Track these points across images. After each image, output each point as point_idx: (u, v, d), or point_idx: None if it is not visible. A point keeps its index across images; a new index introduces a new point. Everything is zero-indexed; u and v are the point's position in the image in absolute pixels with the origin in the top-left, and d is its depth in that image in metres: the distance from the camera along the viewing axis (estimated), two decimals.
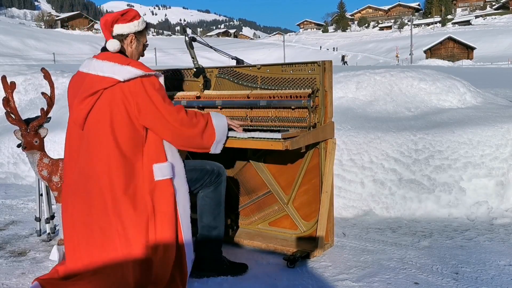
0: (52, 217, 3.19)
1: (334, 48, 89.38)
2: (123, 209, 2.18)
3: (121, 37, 2.34)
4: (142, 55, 2.48)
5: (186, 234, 2.32)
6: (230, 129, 2.50)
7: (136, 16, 2.38)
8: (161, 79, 2.31)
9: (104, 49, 2.34)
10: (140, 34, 2.40)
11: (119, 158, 2.19)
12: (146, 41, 2.47)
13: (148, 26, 2.47)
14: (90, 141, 2.23)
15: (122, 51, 2.35)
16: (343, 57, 54.09)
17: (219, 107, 2.87)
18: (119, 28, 2.33)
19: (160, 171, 2.24)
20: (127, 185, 2.19)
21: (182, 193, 2.33)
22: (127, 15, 2.35)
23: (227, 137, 2.47)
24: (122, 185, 2.18)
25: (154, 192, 2.23)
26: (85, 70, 2.29)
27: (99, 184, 2.20)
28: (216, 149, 2.41)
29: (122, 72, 2.20)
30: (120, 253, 2.18)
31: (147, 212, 2.21)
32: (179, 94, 3.02)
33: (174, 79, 3.20)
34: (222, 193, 2.54)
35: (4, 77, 2.89)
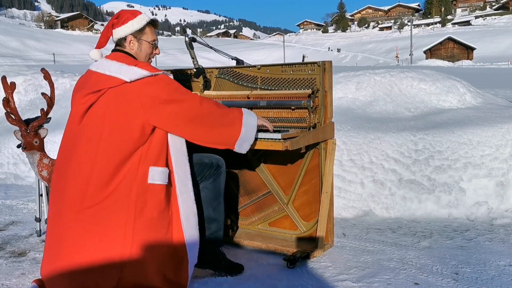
0: None
1: (338, 49, 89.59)
2: (101, 208, 2.13)
3: (121, 40, 2.32)
4: (155, 53, 2.40)
5: (189, 242, 2.25)
6: (261, 130, 2.41)
7: (130, 16, 2.31)
8: (170, 77, 2.28)
9: (114, 49, 2.35)
10: (139, 33, 2.32)
11: (104, 157, 2.14)
12: (153, 39, 2.37)
13: (153, 23, 2.37)
14: (82, 136, 2.21)
15: (129, 53, 2.33)
16: (303, 57, 53.83)
17: None
18: (116, 32, 2.31)
19: (156, 175, 2.19)
20: (108, 184, 2.13)
21: (186, 201, 2.26)
22: (120, 17, 2.32)
23: (256, 138, 2.36)
24: (102, 184, 2.13)
25: (144, 194, 2.17)
26: (94, 68, 2.29)
27: (79, 181, 2.16)
28: (241, 147, 2.31)
29: (128, 72, 2.17)
30: (96, 255, 2.12)
31: (128, 212, 2.14)
32: None
33: (174, 80, 3.19)
34: (222, 185, 2.51)
35: (4, 78, 2.88)
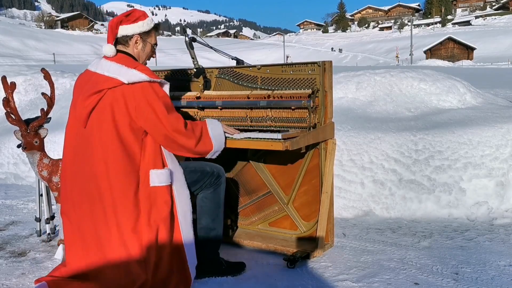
0: (52, 217, 3.19)
1: (340, 50, 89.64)
2: (121, 211, 2.18)
3: (126, 38, 2.34)
4: (153, 56, 2.48)
5: (186, 240, 2.31)
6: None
7: (141, 16, 2.36)
8: (166, 87, 2.30)
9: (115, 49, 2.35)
10: (146, 35, 2.37)
11: (121, 159, 2.19)
12: (155, 42, 2.45)
13: (157, 26, 2.44)
14: (91, 139, 2.23)
15: (129, 53, 2.35)
16: (287, 58, 53.77)
17: (219, 107, 2.87)
18: (123, 29, 2.33)
19: (157, 178, 2.24)
20: (127, 187, 2.19)
21: (183, 199, 2.32)
22: (131, 16, 2.35)
23: (225, 144, 2.47)
24: (121, 187, 2.18)
25: (149, 198, 2.22)
26: (93, 69, 2.31)
27: (97, 185, 2.20)
28: (213, 156, 2.43)
29: (127, 74, 2.21)
30: (118, 254, 2.19)
31: (139, 217, 2.21)
32: (179, 94, 3.02)
33: (174, 80, 3.19)
34: (222, 195, 2.53)
35: (4, 78, 2.88)
